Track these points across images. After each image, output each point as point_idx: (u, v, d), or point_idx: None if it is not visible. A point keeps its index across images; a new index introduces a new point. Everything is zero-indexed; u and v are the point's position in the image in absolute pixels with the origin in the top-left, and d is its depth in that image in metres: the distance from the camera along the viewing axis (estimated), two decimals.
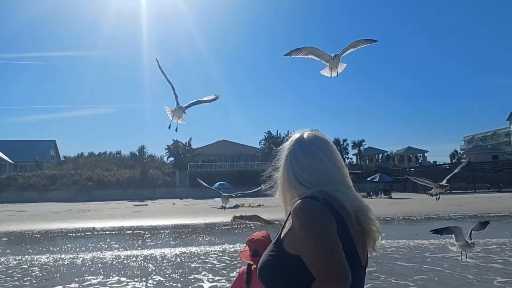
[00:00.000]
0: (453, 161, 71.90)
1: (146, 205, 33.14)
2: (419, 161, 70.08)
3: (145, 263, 10.27)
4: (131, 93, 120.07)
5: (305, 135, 1.60)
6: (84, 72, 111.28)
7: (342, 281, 1.23)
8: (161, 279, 8.55)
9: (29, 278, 8.80)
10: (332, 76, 5.98)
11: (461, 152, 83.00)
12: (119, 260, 10.66)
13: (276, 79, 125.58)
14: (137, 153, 51.77)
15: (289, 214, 1.44)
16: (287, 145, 1.60)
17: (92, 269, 9.57)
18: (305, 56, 5.91)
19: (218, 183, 34.15)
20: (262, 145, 59.45)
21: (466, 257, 8.24)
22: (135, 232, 17.45)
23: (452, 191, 42.92)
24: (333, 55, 5.89)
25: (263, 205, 29.49)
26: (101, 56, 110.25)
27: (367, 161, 65.78)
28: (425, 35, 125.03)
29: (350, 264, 1.33)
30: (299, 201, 1.40)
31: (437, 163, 64.87)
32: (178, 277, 8.63)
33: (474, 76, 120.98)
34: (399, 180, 47.03)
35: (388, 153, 70.24)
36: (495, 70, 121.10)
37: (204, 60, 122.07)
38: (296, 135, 1.61)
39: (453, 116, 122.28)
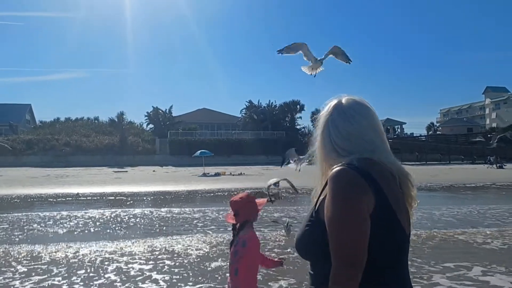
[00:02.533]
0: (429, 133, 73.56)
1: (126, 171, 32.92)
2: (397, 132, 71.33)
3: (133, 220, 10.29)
4: (109, 57, 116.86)
5: (343, 100, 1.51)
6: (62, 35, 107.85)
7: (351, 268, 1.24)
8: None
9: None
10: (311, 74, 6.18)
11: (437, 124, 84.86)
12: (106, 218, 10.63)
13: (259, 48, 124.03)
14: (116, 119, 50.93)
15: (325, 184, 1.40)
16: (324, 112, 1.52)
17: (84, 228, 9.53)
18: (295, 53, 6.15)
19: (199, 151, 34.08)
20: (243, 114, 59.25)
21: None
22: (117, 198, 17.35)
23: (428, 162, 44.26)
24: (318, 58, 6.16)
25: (244, 173, 29.72)
26: (80, 19, 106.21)
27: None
28: (405, 9, 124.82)
29: (397, 238, 1.34)
30: (335, 169, 1.35)
31: (414, 135, 66.24)
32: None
33: (451, 50, 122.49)
34: None
35: None
36: (473, 44, 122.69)
37: (187, 26, 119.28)
38: (334, 101, 1.52)
39: (430, 89, 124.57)
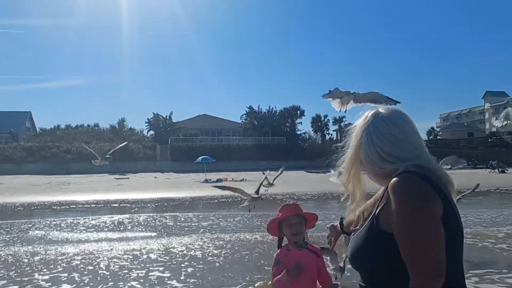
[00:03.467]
0: (430, 137, 73.55)
1: (128, 178, 32.84)
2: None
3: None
4: (109, 64, 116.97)
5: (382, 110, 1.49)
6: (61, 42, 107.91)
7: (436, 279, 1.20)
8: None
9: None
10: (341, 110, 6.08)
11: (438, 129, 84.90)
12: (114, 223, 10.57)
13: (258, 54, 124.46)
14: (117, 126, 50.93)
15: (385, 191, 1.36)
16: (361, 121, 1.50)
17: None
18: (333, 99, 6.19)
19: (201, 157, 34.04)
20: (243, 120, 59.24)
21: None
22: (121, 205, 17.27)
23: None
24: (351, 92, 6.05)
25: (246, 179, 29.63)
26: (79, 26, 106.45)
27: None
28: (404, 15, 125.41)
29: (460, 246, 1.33)
30: (398, 177, 1.30)
31: None
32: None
33: (451, 55, 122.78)
34: None
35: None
36: (472, 49, 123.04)
37: (184, 33, 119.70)
38: (371, 111, 1.50)
39: (430, 94, 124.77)
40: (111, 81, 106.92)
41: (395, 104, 6.14)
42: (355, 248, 1.42)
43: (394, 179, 1.31)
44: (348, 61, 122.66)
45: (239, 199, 18.80)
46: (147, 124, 56.61)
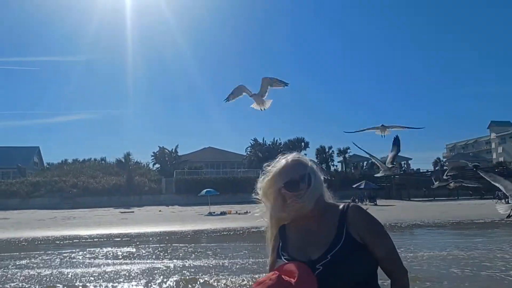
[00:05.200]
0: (436, 168, 73.12)
1: (133, 212, 32.91)
2: (403, 168, 71.04)
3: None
4: (115, 98, 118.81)
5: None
6: (67, 78, 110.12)
7: None
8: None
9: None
10: (262, 110, 6.56)
11: (444, 159, 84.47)
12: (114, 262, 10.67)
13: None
14: (123, 160, 51.36)
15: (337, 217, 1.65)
16: (307, 164, 1.75)
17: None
18: (240, 96, 6.79)
19: (205, 190, 34.13)
20: (248, 152, 59.58)
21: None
22: (123, 239, 17.36)
23: (436, 198, 43.86)
24: (254, 93, 6.68)
25: (249, 212, 29.58)
26: (85, 62, 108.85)
27: (352, 168, 66.42)
28: (407, 43, 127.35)
29: None
30: (353, 203, 1.71)
31: (421, 170, 65.88)
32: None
33: (455, 85, 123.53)
34: (384, 187, 47.62)
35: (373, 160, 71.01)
36: (476, 79, 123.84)
37: (188, 67, 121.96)
38: (294, 156, 1.78)
39: (435, 124, 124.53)
40: (117, 115, 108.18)
41: (286, 85, 6.80)
42: (337, 264, 1.55)
43: (353, 205, 1.69)
44: (351, 92, 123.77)
45: (241, 232, 18.89)
46: (152, 157, 57.10)
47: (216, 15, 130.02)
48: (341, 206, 1.68)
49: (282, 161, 1.75)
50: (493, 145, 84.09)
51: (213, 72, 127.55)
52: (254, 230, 19.43)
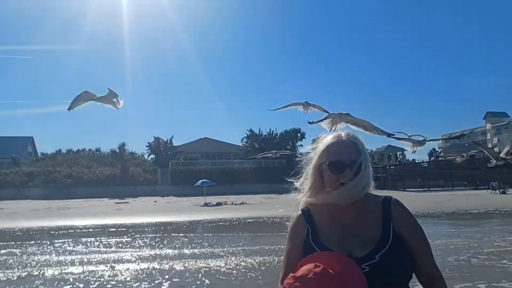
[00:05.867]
0: (431, 159, 73.42)
1: (127, 202, 32.83)
2: (399, 159, 71.28)
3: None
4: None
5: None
6: (62, 67, 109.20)
7: None
8: None
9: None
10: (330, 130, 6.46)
11: (439, 150, 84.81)
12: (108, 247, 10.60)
13: (258, 77, 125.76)
14: (118, 150, 51.12)
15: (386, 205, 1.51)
16: (359, 143, 1.54)
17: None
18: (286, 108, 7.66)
19: (200, 181, 34.05)
20: (244, 143, 59.43)
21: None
22: (119, 230, 17.28)
23: (431, 189, 44.08)
24: (304, 102, 7.43)
25: (245, 202, 29.61)
26: (80, 51, 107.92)
27: None
28: (404, 34, 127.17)
29: None
30: (394, 197, 1.56)
31: (416, 161, 66.16)
32: None
33: (452, 76, 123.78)
34: (379, 178, 47.76)
35: (369, 151, 71.22)
36: (473, 70, 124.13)
37: (187, 57, 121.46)
38: (351, 133, 1.58)
39: (431, 114, 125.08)
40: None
41: (387, 136, 6.70)
42: (395, 272, 1.40)
43: (395, 198, 1.54)
44: (348, 81, 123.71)
45: (237, 222, 18.86)
46: (148, 148, 56.84)
47: (215, 5, 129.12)
48: (381, 199, 1.54)
49: (335, 136, 1.55)
50: (488, 136, 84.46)
51: (211, 63, 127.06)
52: (250, 220, 19.44)
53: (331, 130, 6.47)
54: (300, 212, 1.58)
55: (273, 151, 10.61)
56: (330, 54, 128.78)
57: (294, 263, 1.42)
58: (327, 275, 1.23)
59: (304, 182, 1.59)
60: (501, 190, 35.93)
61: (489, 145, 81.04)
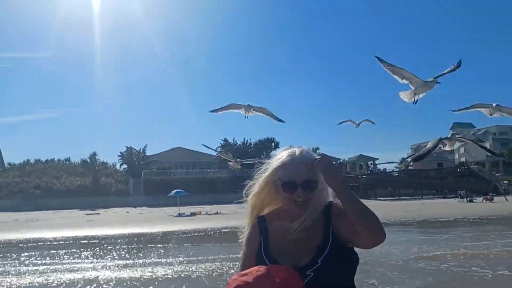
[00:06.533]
0: (402, 168, 75.15)
1: (98, 214, 32.13)
2: (370, 168, 72.62)
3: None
4: (81, 96, 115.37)
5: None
6: (29, 74, 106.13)
7: None
8: None
9: None
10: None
11: (408, 159, 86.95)
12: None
13: (233, 86, 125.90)
14: (89, 160, 50.05)
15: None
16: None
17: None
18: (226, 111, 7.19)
19: (174, 191, 33.74)
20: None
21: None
22: (90, 241, 16.89)
23: (401, 197, 45.08)
24: (247, 105, 7.09)
25: (220, 212, 29.46)
26: (48, 58, 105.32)
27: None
28: (374, 41, 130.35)
29: None
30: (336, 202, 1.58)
31: (387, 170, 67.61)
32: None
33: None
34: (352, 187, 48.44)
35: (341, 160, 72.32)
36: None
37: (159, 64, 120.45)
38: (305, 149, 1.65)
39: (401, 125, 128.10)
40: (83, 113, 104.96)
41: (281, 122, 7.52)
42: (336, 273, 1.47)
43: (336, 202, 1.56)
44: (321, 92, 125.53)
45: (212, 232, 18.77)
46: (119, 157, 55.91)
47: (190, 12, 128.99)
48: (325, 205, 1.58)
49: (289, 153, 1.60)
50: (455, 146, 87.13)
51: (184, 71, 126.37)
52: (225, 230, 19.37)
53: (245, 117, 7.29)
54: (256, 219, 1.64)
55: (233, 160, 10.44)
56: (309, 63, 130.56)
57: (248, 267, 1.48)
58: (270, 273, 1.36)
59: (256, 192, 1.65)
60: (468, 199, 37.05)
61: (456, 155, 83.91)
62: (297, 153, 1.59)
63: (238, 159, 10.36)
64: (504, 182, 47.13)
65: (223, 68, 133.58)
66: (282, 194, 1.55)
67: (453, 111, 6.54)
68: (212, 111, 7.48)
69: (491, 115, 6.41)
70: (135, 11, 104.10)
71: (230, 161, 10.53)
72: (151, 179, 47.91)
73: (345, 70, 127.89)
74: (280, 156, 1.60)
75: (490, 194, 38.45)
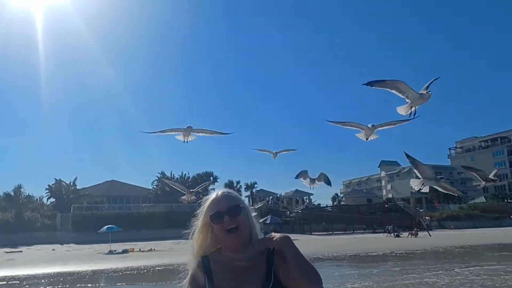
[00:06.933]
0: (334, 203, 77.79)
1: (21, 251, 29.77)
2: (306, 203, 74.31)
3: None
4: (7, 125, 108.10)
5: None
6: None
7: None
8: None
9: None
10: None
11: (341, 195, 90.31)
12: None
13: (169, 118, 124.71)
14: (12, 193, 46.57)
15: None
16: (240, 201, 1.78)
17: None
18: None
19: (106, 226, 32.21)
20: (154, 186, 57.89)
21: None
22: (10, 282, 15.61)
23: (334, 232, 46.48)
24: (187, 127, 6.89)
25: (154, 249, 28.54)
26: None
27: (259, 202, 67.94)
28: (308, 78, 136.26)
29: None
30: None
31: (321, 205, 69.74)
32: None
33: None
34: (288, 222, 49.28)
35: (278, 195, 73.43)
36: (367, 118, 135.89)
37: (92, 96, 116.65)
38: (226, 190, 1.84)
39: (334, 161, 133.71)
40: (8, 144, 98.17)
41: (228, 134, 7.45)
42: None
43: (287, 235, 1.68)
44: (259, 126, 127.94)
45: (145, 270, 18.15)
46: (47, 190, 52.61)
47: (137, 38, 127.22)
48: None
49: (213, 194, 1.78)
50: (383, 183, 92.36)
51: (117, 101, 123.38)
52: (159, 268, 18.82)
53: (184, 141, 7.02)
54: (199, 259, 1.76)
55: (186, 191, 10.11)
56: (241, 100, 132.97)
57: None
58: None
59: (196, 236, 1.80)
60: (395, 234, 39.02)
61: (383, 192, 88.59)
62: (219, 193, 1.78)
63: (191, 190, 9.95)
64: (427, 218, 50.26)
65: (162, 101, 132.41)
66: (215, 228, 1.72)
67: (328, 121, 6.75)
68: (151, 132, 7.12)
69: (367, 139, 6.68)
70: (70, 40, 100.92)
71: (183, 192, 10.01)
72: (81, 213, 45.40)
73: (278, 105, 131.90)
74: (207, 198, 1.80)
75: (415, 229, 40.97)
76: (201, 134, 7.04)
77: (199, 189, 9.14)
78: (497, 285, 12.47)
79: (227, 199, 1.73)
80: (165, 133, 7.01)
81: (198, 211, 1.83)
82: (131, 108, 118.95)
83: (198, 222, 1.80)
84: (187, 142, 7.05)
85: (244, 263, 1.65)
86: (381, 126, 6.54)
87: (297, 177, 9.20)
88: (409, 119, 6.10)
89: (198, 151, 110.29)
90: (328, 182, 7.90)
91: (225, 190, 1.80)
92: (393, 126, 6.46)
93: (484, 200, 65.92)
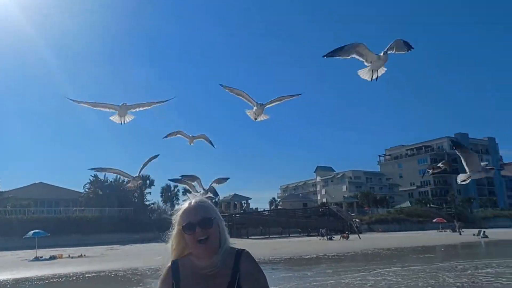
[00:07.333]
0: (272, 207, 79.07)
1: None
2: (244, 207, 74.82)
3: None
4: None
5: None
6: None
7: None
8: None
9: None
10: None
11: (278, 199, 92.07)
12: None
13: (104, 120, 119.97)
14: None
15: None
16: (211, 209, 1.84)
17: None
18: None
19: (32, 231, 30.24)
20: (86, 190, 55.29)
21: None
22: None
23: (271, 236, 47.24)
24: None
25: (84, 255, 27.29)
26: None
27: None
28: (255, 83, 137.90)
29: None
30: (247, 252, 1.81)
31: (259, 209, 70.47)
32: None
33: (289, 134, 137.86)
34: (226, 226, 49.23)
35: (216, 199, 73.23)
36: (306, 129, 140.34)
37: (19, 92, 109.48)
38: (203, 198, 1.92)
39: (272, 166, 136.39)
40: None
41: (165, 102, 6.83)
42: None
43: (246, 252, 1.81)
44: (199, 129, 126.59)
45: (74, 278, 17.34)
46: None
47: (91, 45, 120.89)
48: (235, 251, 1.80)
49: (186, 204, 1.83)
50: (318, 187, 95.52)
51: (50, 96, 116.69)
52: (89, 275, 18.07)
53: (121, 123, 6.47)
54: (169, 264, 1.84)
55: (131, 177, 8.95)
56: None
57: None
58: None
59: (171, 241, 1.87)
60: (328, 237, 40.48)
61: (318, 196, 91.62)
62: (192, 202, 1.83)
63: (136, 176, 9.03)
64: (357, 220, 52.65)
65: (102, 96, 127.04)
66: (186, 238, 1.77)
67: (221, 85, 6.15)
68: (81, 102, 6.25)
69: (255, 118, 6.52)
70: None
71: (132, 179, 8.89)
72: (4, 218, 42.28)
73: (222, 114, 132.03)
74: (180, 208, 1.86)
75: (346, 232, 42.84)
76: (139, 109, 6.44)
77: (143, 170, 8.42)
78: (420, 285, 13.43)
79: (199, 210, 1.78)
80: (97, 108, 6.31)
81: (172, 218, 1.86)
82: (60, 110, 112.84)
83: (174, 230, 1.84)
84: (124, 123, 6.38)
85: (211, 270, 1.73)
86: (271, 103, 6.33)
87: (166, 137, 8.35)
88: (299, 94, 6.38)
89: (134, 153, 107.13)
90: (210, 142, 8.25)
91: (198, 199, 1.85)
92: (280, 102, 6.34)
93: (409, 205, 70.44)
